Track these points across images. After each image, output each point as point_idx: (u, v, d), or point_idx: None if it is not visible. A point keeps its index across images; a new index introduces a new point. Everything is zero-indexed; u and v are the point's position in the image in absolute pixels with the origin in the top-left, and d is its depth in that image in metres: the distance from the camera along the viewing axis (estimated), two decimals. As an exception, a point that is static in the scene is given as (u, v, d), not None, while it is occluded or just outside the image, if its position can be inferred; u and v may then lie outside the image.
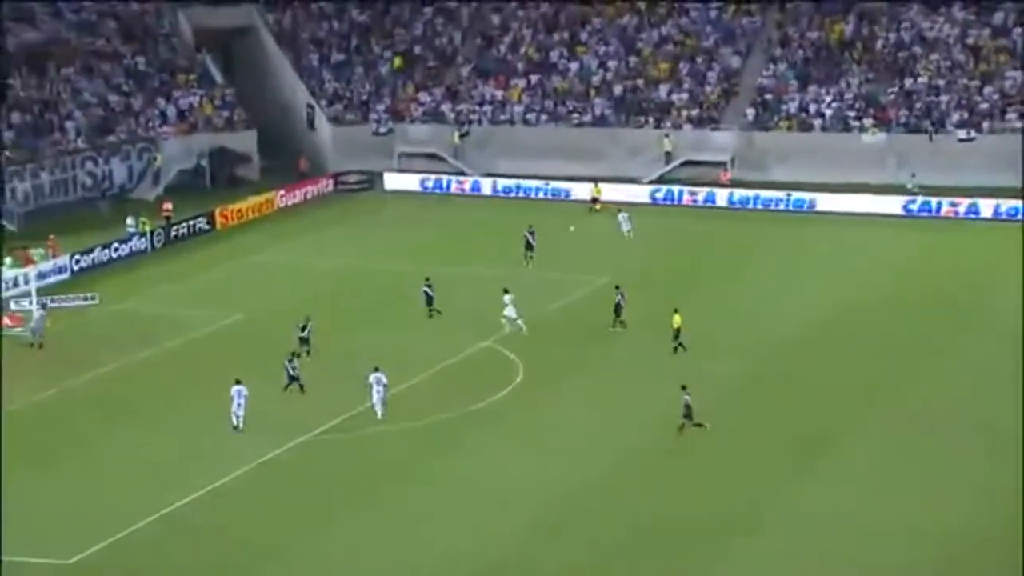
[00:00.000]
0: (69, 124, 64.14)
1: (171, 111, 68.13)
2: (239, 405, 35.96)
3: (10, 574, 28.74)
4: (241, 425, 36.04)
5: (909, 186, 62.53)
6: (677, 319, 41.87)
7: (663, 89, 71.26)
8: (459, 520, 31.31)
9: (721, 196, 64.61)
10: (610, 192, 65.01)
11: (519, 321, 43.49)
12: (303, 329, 40.67)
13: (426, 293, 46.02)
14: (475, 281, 51.46)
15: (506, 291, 44.22)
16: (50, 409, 38.35)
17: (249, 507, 32.18)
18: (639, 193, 65.61)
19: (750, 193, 64.17)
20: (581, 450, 35.36)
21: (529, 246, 53.03)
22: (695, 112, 69.73)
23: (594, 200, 62.78)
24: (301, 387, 38.20)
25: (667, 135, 68.49)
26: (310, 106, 72.17)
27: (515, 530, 30.86)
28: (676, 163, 67.96)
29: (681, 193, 65.16)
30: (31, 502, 32.12)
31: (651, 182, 66.90)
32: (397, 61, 74.45)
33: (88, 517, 31.26)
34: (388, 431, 36.61)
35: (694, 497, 32.38)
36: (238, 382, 36.31)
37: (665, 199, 65.18)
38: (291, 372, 38.21)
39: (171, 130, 67.20)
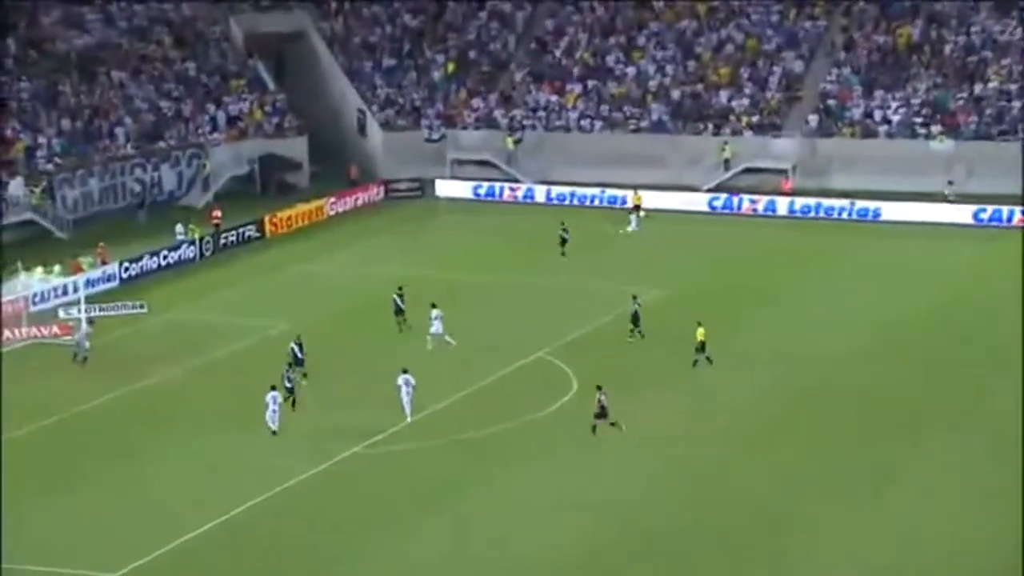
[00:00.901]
0: (119, 130, 65.10)
1: (221, 117, 68.94)
2: (274, 411, 36.26)
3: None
4: (276, 429, 36.30)
5: (946, 193, 61.93)
6: (701, 332, 41.72)
7: (723, 94, 71.02)
8: (515, 536, 31.33)
9: (782, 205, 64.27)
10: (667, 200, 64.96)
11: (447, 337, 43.24)
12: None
13: (396, 302, 45.55)
14: (528, 290, 51.58)
15: (433, 305, 44.12)
16: (96, 419, 38.90)
17: (300, 519, 32.43)
18: (697, 201, 65.45)
19: (812, 202, 63.76)
20: (637, 465, 35.29)
21: (563, 242, 54.69)
22: (756, 118, 69.44)
23: (636, 208, 62.84)
24: (294, 402, 38.04)
25: (726, 142, 68.25)
26: (361, 112, 72.72)
27: (570, 547, 30.87)
28: (736, 171, 67.68)
29: (740, 201, 64.90)
30: (79, 513, 32.61)
31: (709, 190, 66.67)
32: (450, 66, 74.85)
33: (136, 529, 31.66)
34: (441, 444, 36.78)
35: (753, 513, 32.22)
36: (273, 388, 36.67)
37: (724, 208, 64.93)
38: (288, 384, 38.22)
39: (221, 136, 68.00)
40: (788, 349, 43.92)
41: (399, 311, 45.61)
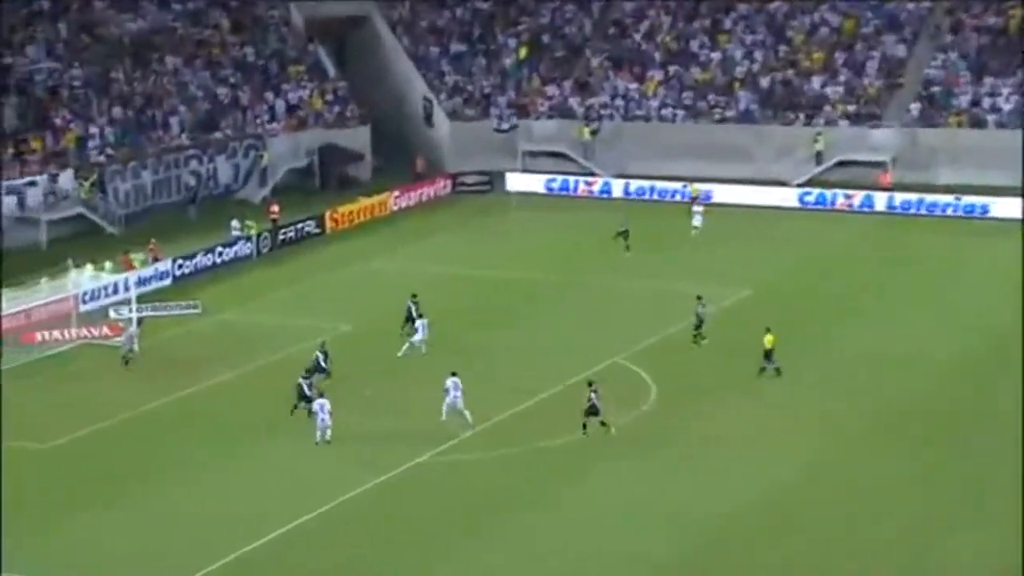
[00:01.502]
0: (173, 120, 65.79)
1: (280, 106, 69.42)
2: (323, 419, 36.35)
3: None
4: (328, 438, 36.36)
5: None
6: (769, 339, 41.23)
7: (816, 81, 70.26)
8: (591, 551, 31.16)
9: (880, 200, 63.50)
10: (754, 196, 64.47)
11: (423, 348, 43.07)
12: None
13: (409, 309, 44.96)
14: (604, 291, 51.35)
15: (420, 315, 43.93)
16: (146, 425, 39.26)
17: (363, 532, 32.48)
18: (787, 197, 64.87)
19: (913, 197, 62.93)
20: (717, 481, 34.95)
21: (625, 234, 55.34)
22: (852, 107, 68.62)
23: (693, 199, 62.53)
24: (309, 411, 37.85)
25: (820, 133, 67.53)
26: (427, 100, 72.85)
27: (647, 562, 30.59)
28: (829, 164, 66.95)
29: (835, 197, 64.23)
30: (128, 526, 32.89)
31: (801, 185, 66.02)
32: (522, 51, 74.76)
33: (190, 542, 31.88)
34: (512, 453, 36.69)
35: (842, 540, 31.71)
36: (321, 395, 36.74)
37: (816, 203, 64.31)
38: (306, 391, 38.14)
39: (279, 126, 68.48)
40: (883, 357, 43.28)
41: (409, 319, 44.69)
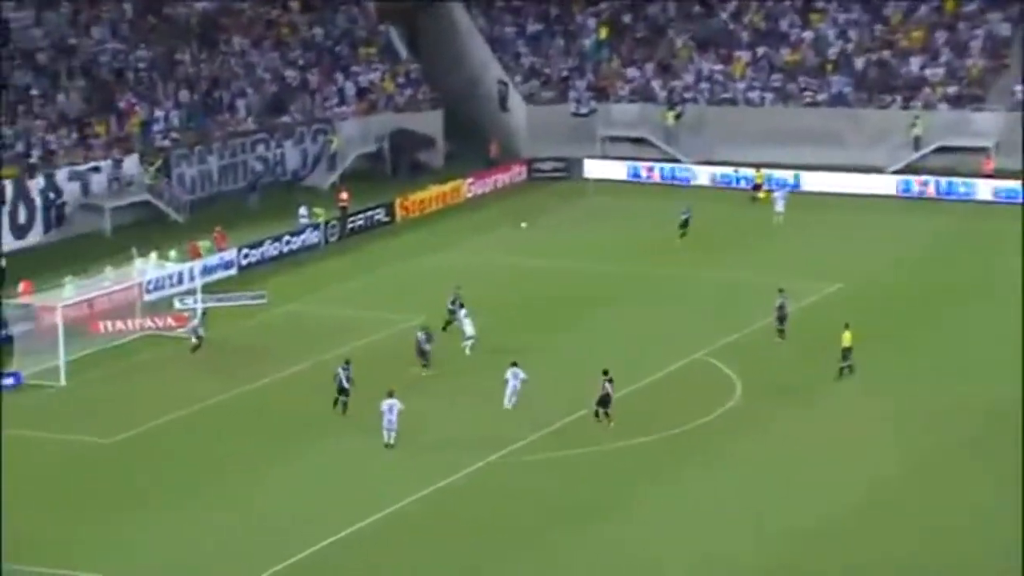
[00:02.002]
0: (240, 103, 66.57)
1: (350, 88, 69.99)
2: (390, 421, 36.52)
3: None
4: (392, 442, 36.59)
5: None
6: (847, 337, 40.92)
7: (915, 62, 69.49)
8: (672, 556, 31.23)
9: (983, 188, 62.82)
10: (847, 183, 64.01)
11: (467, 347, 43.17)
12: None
13: (451, 307, 44.85)
14: (687, 284, 51.27)
15: (460, 305, 44.01)
16: (210, 420, 39.87)
17: (432, 533, 32.79)
18: (883, 184, 64.35)
19: (1018, 185, 62.08)
20: (804, 485, 34.84)
21: (684, 224, 55.70)
22: (953, 89, 67.80)
23: (756, 187, 62.17)
24: (345, 405, 38.28)
25: (918, 116, 66.81)
26: (502, 83, 73.02)
27: (731, 571, 30.62)
28: (928, 149, 66.23)
29: (936, 184, 63.51)
30: (192, 523, 33.47)
31: (897, 172, 65.40)
32: (602, 31, 74.69)
33: (255, 541, 32.38)
34: (590, 452, 36.83)
35: (943, 548, 31.49)
36: (390, 395, 36.85)
37: (914, 192, 63.65)
38: (343, 383, 38.43)
39: (349, 110, 69.03)
40: (984, 358, 42.76)
41: (452, 313, 44.69)
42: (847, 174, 64.54)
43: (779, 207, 59.32)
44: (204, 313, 45.76)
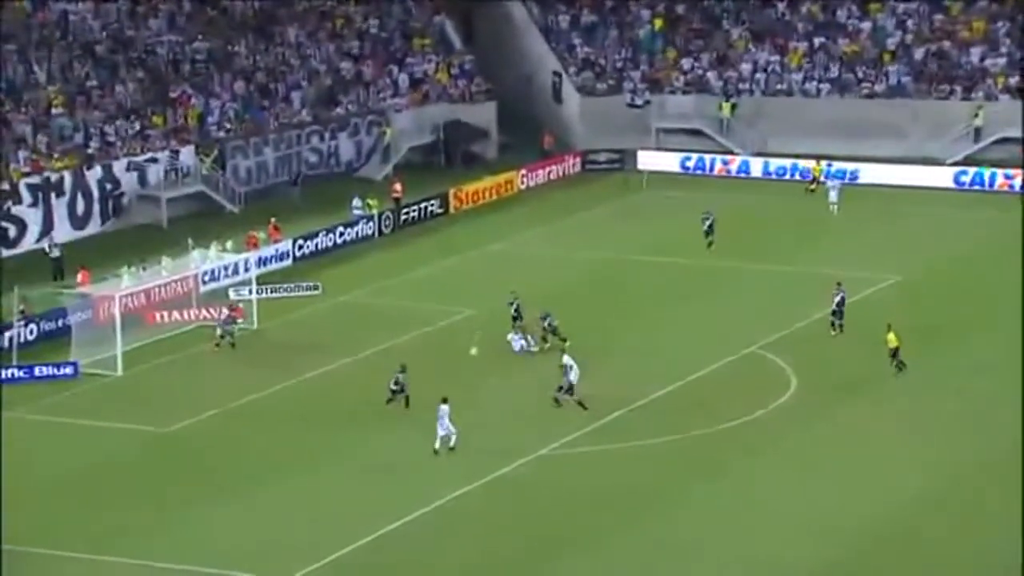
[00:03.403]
0: (295, 95, 66.99)
1: (403, 80, 70.22)
2: (443, 426, 36.33)
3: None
4: (452, 444, 36.22)
5: None
6: (892, 338, 40.59)
7: (975, 53, 68.78)
8: (729, 556, 31.18)
9: (1042, 181, 62.14)
10: (905, 175, 63.52)
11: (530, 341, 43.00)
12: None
13: (514, 310, 44.20)
14: (741, 276, 51.10)
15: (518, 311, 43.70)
16: (263, 412, 40.17)
17: (481, 526, 32.96)
18: (941, 177, 63.79)
19: (1079, 177, 61.43)
20: (858, 483, 34.69)
21: (709, 231, 54.00)
22: (1015, 80, 67.05)
23: (814, 180, 61.73)
24: (407, 400, 38.22)
25: (980, 107, 66.14)
26: (557, 74, 72.99)
27: (786, 572, 30.55)
28: (988, 141, 65.58)
29: (994, 176, 63.03)
30: (241, 517, 33.80)
31: (956, 164, 64.81)
32: (657, 22, 74.47)
33: (304, 534, 32.66)
34: (641, 446, 36.85)
35: (998, 548, 31.26)
36: (444, 401, 36.37)
37: (973, 184, 63.19)
38: (394, 386, 38.25)
39: (403, 101, 69.25)
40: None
41: (517, 317, 44.10)
42: (905, 166, 64.03)
43: (832, 197, 59.01)
44: (235, 321, 44.97)
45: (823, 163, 63.20)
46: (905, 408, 38.97)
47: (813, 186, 62.23)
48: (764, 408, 38.88)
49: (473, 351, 42.17)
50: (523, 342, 43.29)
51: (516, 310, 44.33)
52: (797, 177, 65.15)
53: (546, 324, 43.50)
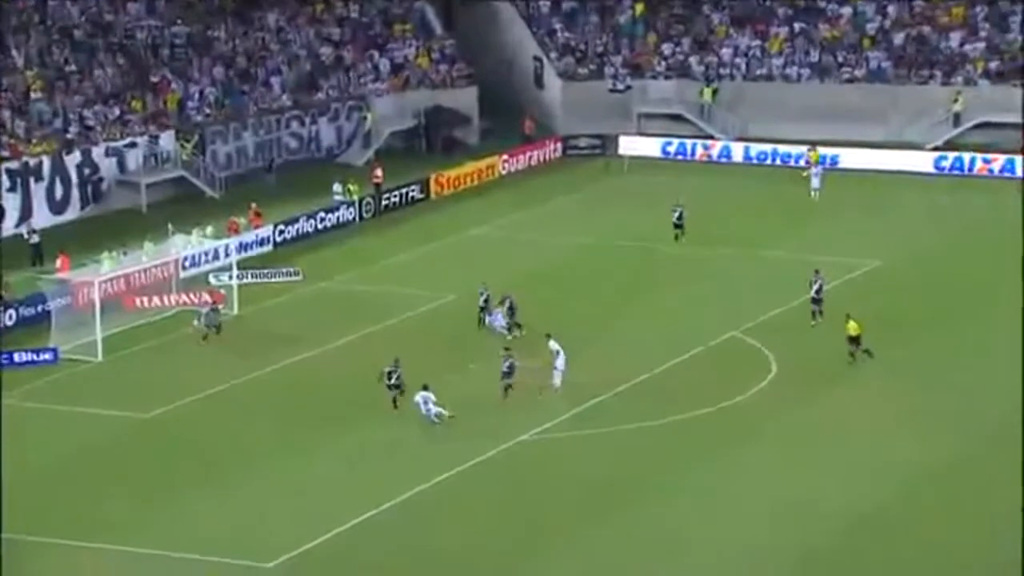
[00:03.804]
0: (275, 80, 66.78)
1: (384, 65, 70.07)
2: (428, 410, 36.61)
3: (208, 574, 30.38)
4: (438, 420, 36.64)
5: None
6: (852, 326, 40.40)
7: (954, 37, 68.92)
8: (700, 544, 31.32)
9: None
10: (885, 160, 63.65)
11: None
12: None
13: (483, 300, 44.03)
14: (722, 262, 51.20)
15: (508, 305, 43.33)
16: (244, 398, 40.15)
17: (467, 511, 33.02)
18: (921, 161, 63.91)
19: (1058, 162, 61.64)
20: (837, 467, 34.83)
21: (679, 223, 52.87)
22: (994, 64, 67.23)
23: (811, 165, 61.73)
24: (395, 400, 37.83)
25: (959, 92, 66.30)
26: (538, 59, 72.93)
27: (766, 550, 30.67)
28: (968, 125, 65.76)
29: (973, 161, 63.18)
30: (224, 502, 33.79)
31: (936, 148, 64.97)
32: (638, 7, 74.41)
33: (288, 520, 32.67)
34: (623, 431, 36.94)
35: (982, 533, 31.44)
36: (425, 388, 36.76)
37: (953, 168, 63.32)
38: (394, 380, 37.86)
39: (384, 86, 69.11)
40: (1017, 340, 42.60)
41: (484, 308, 43.85)
42: (885, 151, 64.18)
43: (815, 183, 59.09)
44: (215, 310, 44.58)
45: (819, 149, 62.94)
46: (886, 393, 39.12)
47: (805, 174, 61.71)
48: (745, 393, 38.99)
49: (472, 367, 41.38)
50: (501, 321, 43.17)
51: (485, 300, 43.97)
52: (778, 162, 65.23)
53: (506, 308, 43.12)
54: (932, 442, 35.83)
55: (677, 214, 53.10)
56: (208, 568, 30.41)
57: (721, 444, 36.03)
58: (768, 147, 66.05)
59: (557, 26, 74.31)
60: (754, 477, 34.28)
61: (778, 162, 65.30)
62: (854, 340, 40.46)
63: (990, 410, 37.54)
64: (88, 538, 31.57)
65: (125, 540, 31.42)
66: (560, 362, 38.91)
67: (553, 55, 72.79)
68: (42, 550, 31.23)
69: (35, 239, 52.71)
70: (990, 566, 29.79)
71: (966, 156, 63.40)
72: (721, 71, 70.80)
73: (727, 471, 34.62)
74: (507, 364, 38.48)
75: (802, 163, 62.75)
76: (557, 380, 38.99)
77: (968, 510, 32.26)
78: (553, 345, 39.09)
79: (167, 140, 60.82)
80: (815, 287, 44.08)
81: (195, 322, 44.44)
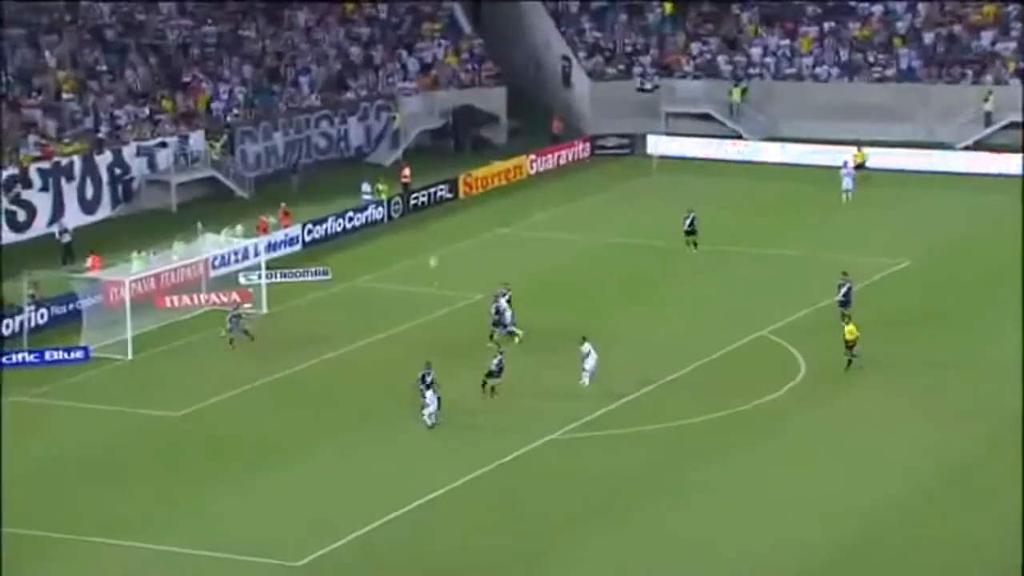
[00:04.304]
0: (304, 79, 66.99)
1: (413, 64, 70.18)
2: (430, 410, 36.54)
3: (237, 573, 30.49)
4: (431, 423, 36.43)
5: None
6: (850, 330, 39.79)
7: (985, 37, 68.55)
8: (725, 543, 31.25)
9: (1054, 166, 61.92)
10: (915, 160, 63.34)
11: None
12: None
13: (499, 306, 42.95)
14: (752, 262, 51.07)
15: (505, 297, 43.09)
16: (277, 394, 40.30)
17: (490, 511, 33.04)
18: (952, 162, 63.60)
19: (1091, 162, 61.21)
20: (870, 469, 34.72)
21: (691, 230, 51.19)
22: (1024, 64, 66.91)
23: (858, 167, 61.43)
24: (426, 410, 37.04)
25: (990, 92, 65.95)
26: (566, 59, 72.89)
27: (794, 552, 30.60)
28: (999, 125, 65.38)
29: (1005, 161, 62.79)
30: (253, 501, 33.92)
31: (967, 148, 64.61)
32: (667, 7, 74.30)
33: (316, 519, 32.75)
34: (646, 431, 36.90)
35: (1012, 530, 31.28)
36: (429, 387, 36.59)
37: (984, 168, 62.92)
38: (423, 386, 37.24)
39: (413, 86, 69.22)
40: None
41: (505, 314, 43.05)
42: (915, 150, 63.87)
43: (847, 184, 58.59)
44: (239, 316, 44.05)
45: (864, 150, 62.32)
46: (915, 392, 38.95)
47: (855, 174, 61.05)
48: (774, 392, 38.89)
49: (432, 263, 42.35)
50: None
51: (507, 301, 43.35)
52: (807, 162, 64.97)
53: (502, 303, 42.59)
54: (960, 441, 35.64)
55: (689, 221, 51.68)
56: (236, 566, 30.53)
57: (750, 443, 35.98)
58: (797, 147, 65.79)
59: (586, 25, 74.27)
60: (783, 476, 34.21)
61: (807, 161, 64.98)
62: (850, 345, 39.73)
63: (1015, 410, 37.25)
64: (117, 536, 31.74)
65: (153, 538, 31.57)
66: (590, 363, 38.86)
67: (582, 54, 72.75)
68: (69, 547, 31.39)
69: (66, 239, 53.05)
70: (1012, 567, 29.62)
71: (996, 156, 63.00)
72: (750, 70, 70.62)
73: (756, 470, 34.54)
74: (497, 362, 38.26)
75: (849, 163, 61.91)
76: (586, 380, 38.96)
77: (993, 508, 32.03)
78: (586, 347, 38.98)
79: (197, 140, 61.06)
80: (843, 290, 43.73)
81: (225, 331, 44.03)
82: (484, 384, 38.31)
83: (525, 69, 73.32)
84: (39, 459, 35.77)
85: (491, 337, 42.21)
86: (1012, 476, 33.60)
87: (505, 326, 42.86)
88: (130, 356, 42.83)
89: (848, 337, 39.91)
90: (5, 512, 32.01)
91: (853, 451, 35.56)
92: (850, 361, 39.83)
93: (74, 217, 56.29)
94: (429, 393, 36.98)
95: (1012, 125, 65.16)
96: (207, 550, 31.07)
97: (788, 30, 71.72)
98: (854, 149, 62.55)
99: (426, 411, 36.82)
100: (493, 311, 42.99)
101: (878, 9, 71.33)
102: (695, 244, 51.54)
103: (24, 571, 30.24)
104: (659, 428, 37.03)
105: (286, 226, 54.66)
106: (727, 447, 35.88)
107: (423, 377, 37.76)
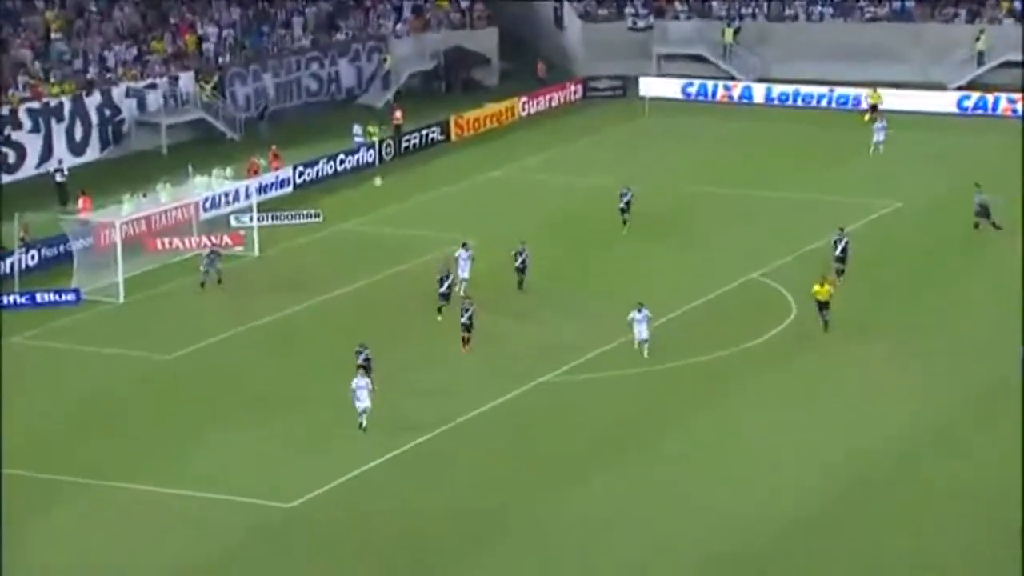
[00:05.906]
0: (295, 20, 66.39)
1: (405, 5, 69.59)
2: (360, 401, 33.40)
3: (232, 513, 30.56)
4: (364, 423, 33.60)
5: None
6: (822, 291, 38.30)
7: (979, -24, 68.14)
8: (724, 484, 31.29)
9: (1048, 105, 61.76)
10: (908, 100, 63.07)
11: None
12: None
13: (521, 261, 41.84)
14: (744, 204, 50.94)
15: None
16: (268, 336, 40.21)
17: (485, 453, 33.08)
18: (944, 102, 63.41)
19: (1086, 102, 61.06)
20: (857, 411, 34.76)
21: (625, 208, 47.51)
22: (1019, 2, 66.41)
23: (872, 108, 61.14)
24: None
25: (982, 31, 65.59)
26: (557, 0, 72.31)
27: (787, 497, 30.67)
28: (992, 64, 65.10)
29: (997, 101, 62.59)
30: (248, 444, 33.92)
31: (960, 88, 64.38)
32: (659, -54, 73.61)
33: (309, 460, 32.79)
34: (642, 372, 36.90)
35: (990, 481, 31.37)
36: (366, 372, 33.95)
37: (976, 108, 62.81)
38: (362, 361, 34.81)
39: (404, 27, 68.67)
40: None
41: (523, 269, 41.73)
42: (908, 91, 63.59)
43: (879, 137, 56.22)
44: (217, 255, 43.53)
45: (879, 90, 61.50)
46: (904, 340, 38.86)
47: (869, 115, 60.56)
48: (764, 335, 38.87)
49: (377, 182, 41.43)
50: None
51: (523, 262, 42.13)
52: (799, 104, 64.71)
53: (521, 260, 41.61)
54: (946, 391, 35.55)
55: (626, 199, 47.56)
56: (229, 506, 30.57)
57: (731, 388, 35.95)
58: (790, 88, 65.52)
59: (578, -34, 73.58)
60: (770, 421, 34.23)
61: (800, 103, 64.75)
62: (823, 305, 38.53)
63: (1002, 362, 37.09)
64: (111, 478, 31.74)
65: (147, 480, 31.60)
66: (643, 330, 37.15)
67: (573, -5, 72.20)
68: (60, 487, 31.41)
69: (60, 178, 52.72)
70: (991, 522, 29.67)
71: (990, 96, 62.75)
72: (743, 11, 70.12)
73: (731, 413, 34.49)
74: (467, 315, 37.65)
75: (864, 105, 61.47)
76: (644, 334, 37.31)
77: (980, 462, 32.03)
78: (634, 315, 37.33)
79: (187, 81, 60.62)
80: (840, 246, 43.03)
81: (201, 268, 43.66)
82: (464, 340, 37.91)
83: (516, 10, 72.71)
84: (30, 401, 35.70)
85: (439, 311, 40.06)
86: (1001, 430, 33.62)
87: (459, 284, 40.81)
88: (121, 299, 42.70)
89: (819, 298, 38.54)
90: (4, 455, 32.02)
91: (849, 395, 35.53)
92: (827, 323, 38.81)
93: (63, 158, 55.93)
94: (363, 389, 33.36)
95: (1007, 64, 64.81)
96: (193, 490, 31.09)
97: (781, -30, 71.17)
98: (868, 91, 62.13)
99: (359, 405, 33.45)
100: (445, 277, 40.38)
101: (872, -51, 70.78)
102: (625, 223, 47.49)
103: (25, 513, 30.23)
104: (651, 370, 37.00)
105: (276, 168, 54.38)
106: (717, 388, 35.88)
107: (359, 360, 34.69)
